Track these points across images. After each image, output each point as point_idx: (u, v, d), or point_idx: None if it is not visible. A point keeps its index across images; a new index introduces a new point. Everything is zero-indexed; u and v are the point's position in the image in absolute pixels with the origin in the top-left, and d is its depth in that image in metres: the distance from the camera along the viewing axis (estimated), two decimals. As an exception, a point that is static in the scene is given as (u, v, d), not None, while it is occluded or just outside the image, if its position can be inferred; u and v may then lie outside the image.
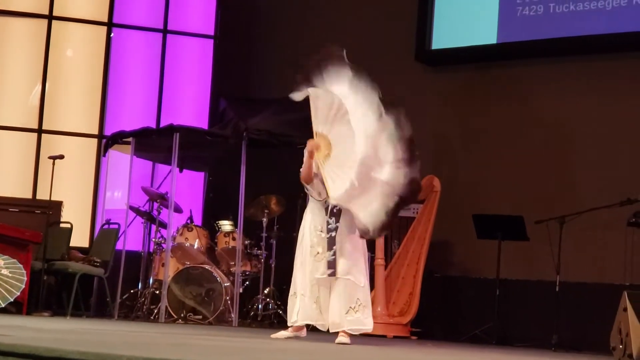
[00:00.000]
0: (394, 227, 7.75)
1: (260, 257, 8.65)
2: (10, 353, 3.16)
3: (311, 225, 5.73)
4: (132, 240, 9.17)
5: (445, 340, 7.92)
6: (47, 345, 3.25)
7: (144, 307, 8.38)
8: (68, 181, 9.63)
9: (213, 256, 8.74)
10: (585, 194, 8.13)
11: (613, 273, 7.80)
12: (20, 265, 7.17)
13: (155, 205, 8.86)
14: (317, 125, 5.64)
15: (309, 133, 5.76)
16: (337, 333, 5.63)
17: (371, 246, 7.11)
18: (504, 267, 8.03)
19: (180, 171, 9.47)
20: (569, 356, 6.68)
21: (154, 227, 8.88)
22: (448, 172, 8.76)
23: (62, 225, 8.66)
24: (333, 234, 5.60)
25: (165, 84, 10.23)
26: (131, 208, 8.80)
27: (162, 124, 9.76)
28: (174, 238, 8.52)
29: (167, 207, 8.60)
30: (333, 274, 5.58)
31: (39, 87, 9.98)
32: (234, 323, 8.10)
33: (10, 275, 7.03)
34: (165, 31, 10.31)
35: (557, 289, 7.56)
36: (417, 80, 9.31)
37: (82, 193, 9.91)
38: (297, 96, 5.62)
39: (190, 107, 10.33)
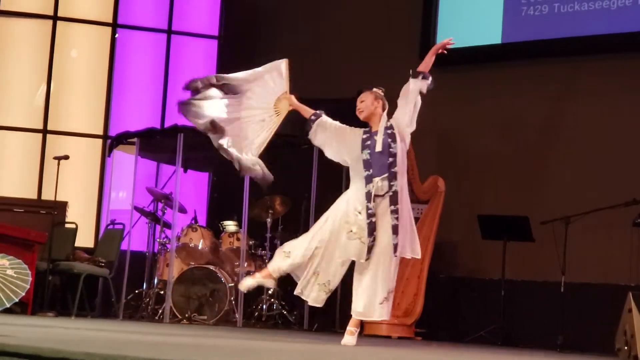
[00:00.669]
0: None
1: (265, 257, 8.65)
2: (15, 354, 3.15)
3: (349, 205, 5.63)
4: (136, 240, 9.19)
5: (450, 341, 7.90)
6: (52, 346, 3.25)
7: (149, 307, 8.39)
8: (73, 181, 9.65)
9: (217, 256, 8.74)
10: (590, 194, 8.11)
11: (618, 274, 7.78)
12: (25, 266, 7.15)
13: (160, 205, 8.87)
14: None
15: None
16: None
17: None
18: (509, 268, 8.01)
19: (185, 171, 9.47)
20: (574, 357, 6.66)
21: (158, 228, 8.89)
22: (453, 172, 8.74)
23: (67, 225, 8.66)
24: (373, 219, 5.55)
25: (169, 84, 10.24)
26: (136, 208, 8.81)
27: (167, 124, 9.77)
28: (178, 238, 8.52)
29: (171, 207, 8.61)
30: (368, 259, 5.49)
31: (43, 88, 9.99)
32: (238, 323, 8.10)
33: (15, 275, 7.02)
34: (169, 32, 10.33)
35: (562, 290, 7.55)
36: (422, 79, 9.27)
37: (87, 193, 9.93)
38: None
39: (195, 108, 10.32)
